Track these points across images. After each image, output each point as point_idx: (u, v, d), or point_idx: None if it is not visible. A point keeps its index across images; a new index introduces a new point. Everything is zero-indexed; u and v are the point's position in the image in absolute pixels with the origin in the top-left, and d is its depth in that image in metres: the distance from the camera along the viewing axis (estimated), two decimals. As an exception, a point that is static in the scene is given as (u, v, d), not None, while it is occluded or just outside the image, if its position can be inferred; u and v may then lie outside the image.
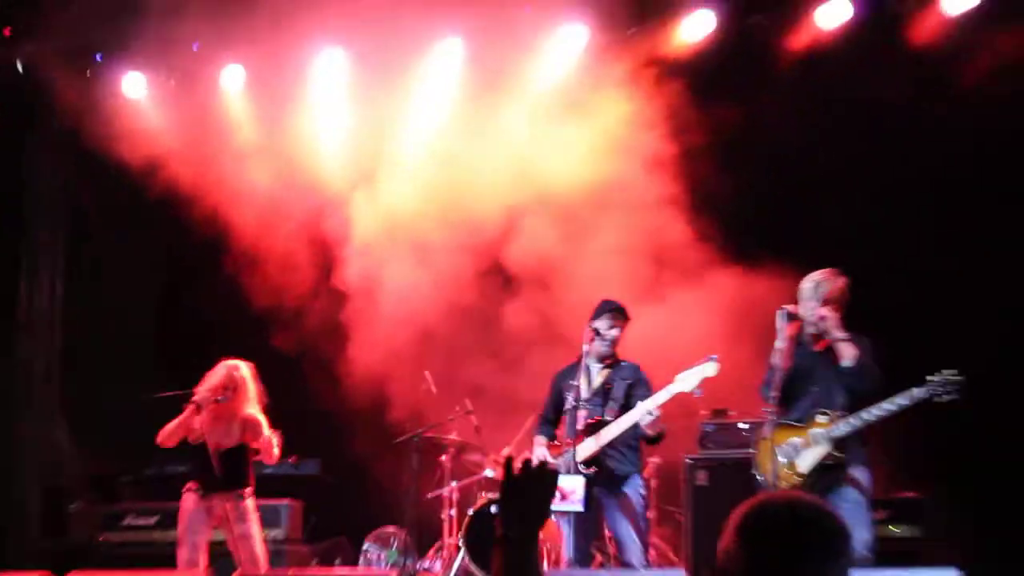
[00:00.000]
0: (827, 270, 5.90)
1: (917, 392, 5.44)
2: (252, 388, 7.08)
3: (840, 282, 5.86)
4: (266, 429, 7.00)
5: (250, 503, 6.96)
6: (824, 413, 5.69)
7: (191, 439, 6.89)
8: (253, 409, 7.04)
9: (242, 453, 7.00)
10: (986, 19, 8.01)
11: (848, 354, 5.72)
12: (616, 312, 6.55)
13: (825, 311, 5.77)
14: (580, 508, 6.21)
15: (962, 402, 5.36)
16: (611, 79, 8.81)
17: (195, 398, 6.88)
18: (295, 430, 8.56)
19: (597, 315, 6.58)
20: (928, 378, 5.43)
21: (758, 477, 5.87)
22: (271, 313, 9.42)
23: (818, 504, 2.05)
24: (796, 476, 5.69)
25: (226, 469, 6.86)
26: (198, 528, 6.86)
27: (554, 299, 8.72)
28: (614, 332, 6.51)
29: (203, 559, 6.85)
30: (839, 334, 5.75)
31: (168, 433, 6.90)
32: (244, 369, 7.09)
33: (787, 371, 5.68)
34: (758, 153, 8.53)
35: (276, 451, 6.98)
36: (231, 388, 6.97)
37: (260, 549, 6.93)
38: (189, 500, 6.92)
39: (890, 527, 7.09)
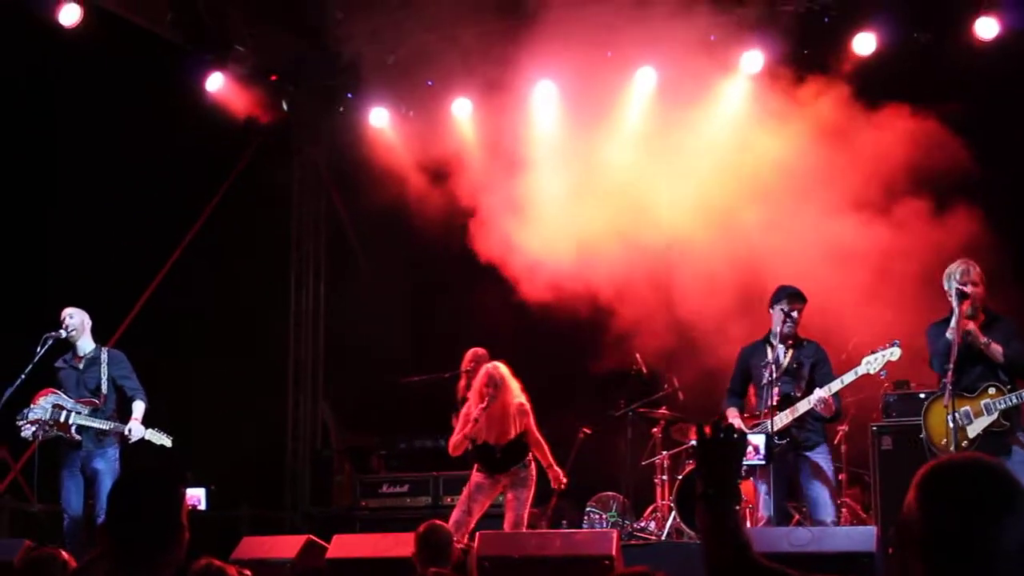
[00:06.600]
0: (962, 260, 6.27)
1: None
2: (513, 382, 7.35)
3: (972, 271, 6.16)
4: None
5: (533, 470, 7.33)
6: (994, 385, 6.06)
7: (478, 441, 7.30)
8: (520, 399, 7.32)
9: (521, 440, 7.37)
10: None
11: (995, 354, 6.07)
12: (794, 296, 6.81)
13: (971, 325, 6.08)
14: (762, 462, 6.58)
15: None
16: (790, 95, 9.16)
17: (472, 414, 7.17)
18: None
19: (777, 299, 6.83)
20: None
21: (926, 442, 6.23)
22: (499, 316, 9.88)
23: (994, 463, 2.08)
24: (965, 440, 6.02)
25: (508, 456, 7.30)
26: (478, 498, 7.33)
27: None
28: (795, 314, 6.78)
29: (471, 524, 7.19)
30: (982, 339, 6.08)
31: (455, 444, 7.38)
32: (502, 368, 7.36)
33: (959, 346, 5.96)
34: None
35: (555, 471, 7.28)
36: (493, 386, 7.21)
37: (526, 513, 7.28)
38: (478, 476, 7.38)
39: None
